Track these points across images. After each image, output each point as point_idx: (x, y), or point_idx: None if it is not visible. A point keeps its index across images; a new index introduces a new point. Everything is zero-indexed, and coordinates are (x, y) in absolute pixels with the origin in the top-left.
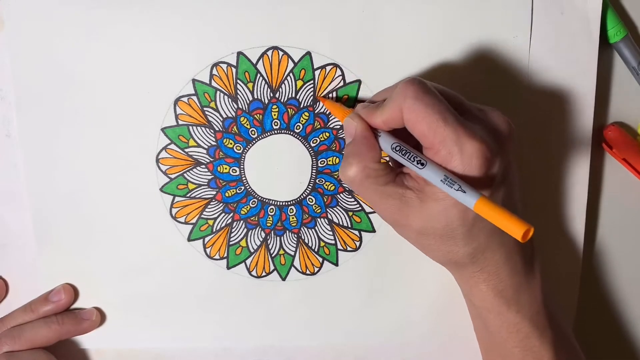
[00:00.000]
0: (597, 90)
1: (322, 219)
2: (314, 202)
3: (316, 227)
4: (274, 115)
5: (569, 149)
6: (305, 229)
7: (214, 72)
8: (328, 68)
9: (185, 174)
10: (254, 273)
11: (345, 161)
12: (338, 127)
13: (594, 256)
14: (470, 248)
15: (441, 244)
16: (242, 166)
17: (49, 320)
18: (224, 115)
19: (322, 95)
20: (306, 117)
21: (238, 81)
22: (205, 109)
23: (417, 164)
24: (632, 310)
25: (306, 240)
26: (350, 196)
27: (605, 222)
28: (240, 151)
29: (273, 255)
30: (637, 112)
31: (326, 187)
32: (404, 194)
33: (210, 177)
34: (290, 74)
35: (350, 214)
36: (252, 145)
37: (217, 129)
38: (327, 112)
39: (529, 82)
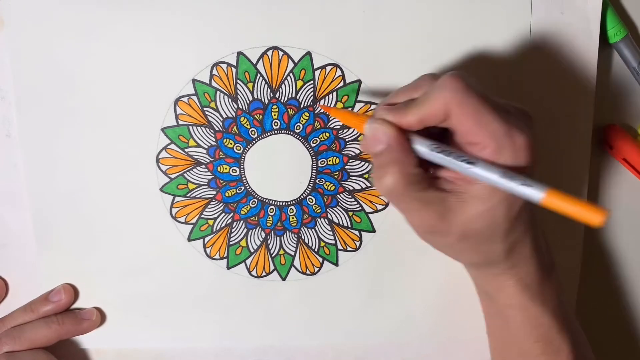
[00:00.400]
0: (597, 90)
1: (322, 219)
2: (314, 202)
3: (316, 227)
4: (274, 115)
5: (569, 148)
6: (305, 229)
7: (214, 72)
8: (328, 68)
9: (185, 174)
10: (254, 273)
11: (381, 170)
12: (338, 127)
13: (593, 256)
14: (508, 244)
15: (481, 245)
16: (242, 166)
17: (49, 320)
18: (224, 115)
19: (320, 102)
20: (306, 117)
21: (238, 81)
22: (205, 109)
23: (466, 163)
24: (632, 310)
25: (306, 240)
26: (350, 196)
27: (606, 222)
28: (240, 151)
29: (273, 255)
30: (637, 112)
31: (326, 187)
32: (445, 198)
33: (210, 177)
34: (291, 74)
35: (351, 214)
36: (252, 145)
37: (217, 129)
38: (327, 113)
39: (529, 82)
